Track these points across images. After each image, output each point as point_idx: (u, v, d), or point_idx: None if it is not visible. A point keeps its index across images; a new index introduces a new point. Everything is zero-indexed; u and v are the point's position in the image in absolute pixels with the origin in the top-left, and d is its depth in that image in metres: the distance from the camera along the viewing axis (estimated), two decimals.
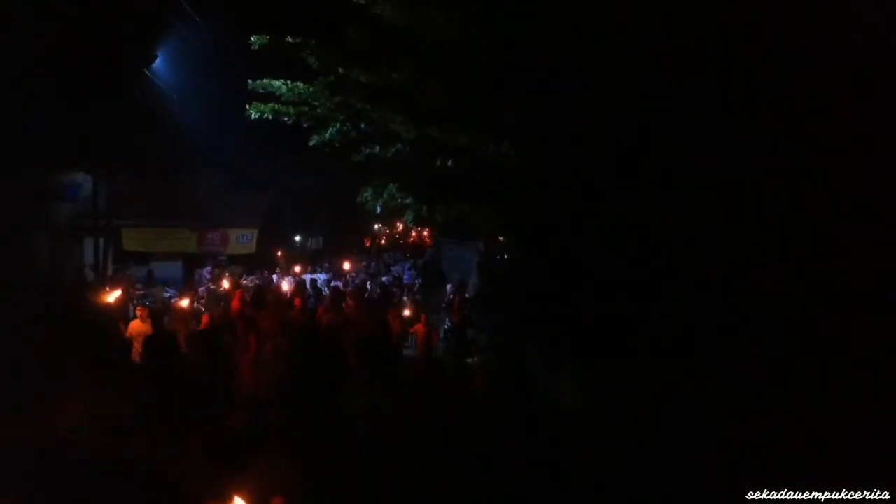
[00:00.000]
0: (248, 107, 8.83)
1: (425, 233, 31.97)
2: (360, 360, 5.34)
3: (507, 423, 5.21)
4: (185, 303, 9.45)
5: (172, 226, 20.77)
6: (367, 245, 30.64)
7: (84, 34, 13.47)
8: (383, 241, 33.56)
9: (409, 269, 18.88)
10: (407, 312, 7.94)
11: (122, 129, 16.26)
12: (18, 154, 15.04)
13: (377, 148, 8.63)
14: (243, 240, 20.87)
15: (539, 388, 6.35)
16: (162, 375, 4.58)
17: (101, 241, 17.58)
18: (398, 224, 36.57)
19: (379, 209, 8.92)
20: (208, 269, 17.84)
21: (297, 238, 30.93)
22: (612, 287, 6.95)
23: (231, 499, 2.97)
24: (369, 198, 9.05)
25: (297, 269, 16.82)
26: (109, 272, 16.96)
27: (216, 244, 20.78)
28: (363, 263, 21.65)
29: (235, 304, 8.89)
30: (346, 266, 16.77)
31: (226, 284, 12.93)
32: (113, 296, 8.84)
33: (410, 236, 33.91)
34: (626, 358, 6.39)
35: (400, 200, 8.70)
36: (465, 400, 5.70)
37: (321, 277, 14.10)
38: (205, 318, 7.95)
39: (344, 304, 8.98)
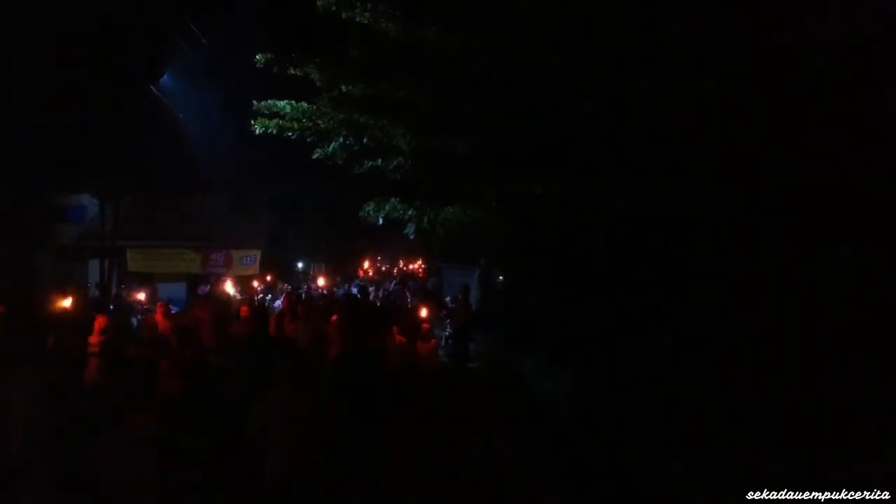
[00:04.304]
0: (252, 122, 8.99)
1: (418, 266, 32.58)
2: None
3: (505, 422, 5.27)
4: (66, 302, 8.79)
5: (176, 247, 20.97)
6: (361, 276, 30.78)
7: (90, 53, 13.74)
8: (371, 273, 33.56)
9: (395, 286, 18.92)
10: (424, 313, 7.74)
11: (128, 149, 16.53)
12: (25, 176, 15.29)
13: (379, 161, 8.79)
14: (247, 261, 21.01)
15: (535, 391, 6.45)
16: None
17: (106, 262, 17.76)
18: (400, 261, 37.17)
19: (381, 221, 9.04)
20: (203, 287, 17.89)
21: (300, 265, 31.07)
22: (601, 304, 7.06)
23: None
24: (372, 211, 9.19)
25: (255, 283, 17.07)
26: (114, 291, 17.07)
27: (220, 265, 20.92)
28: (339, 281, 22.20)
29: (158, 317, 8.45)
30: (321, 282, 16.65)
31: (141, 297, 12.50)
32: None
33: (405, 270, 34.19)
34: (614, 365, 6.48)
35: (402, 213, 8.84)
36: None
37: (277, 303, 14.06)
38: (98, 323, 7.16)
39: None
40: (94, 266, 19.19)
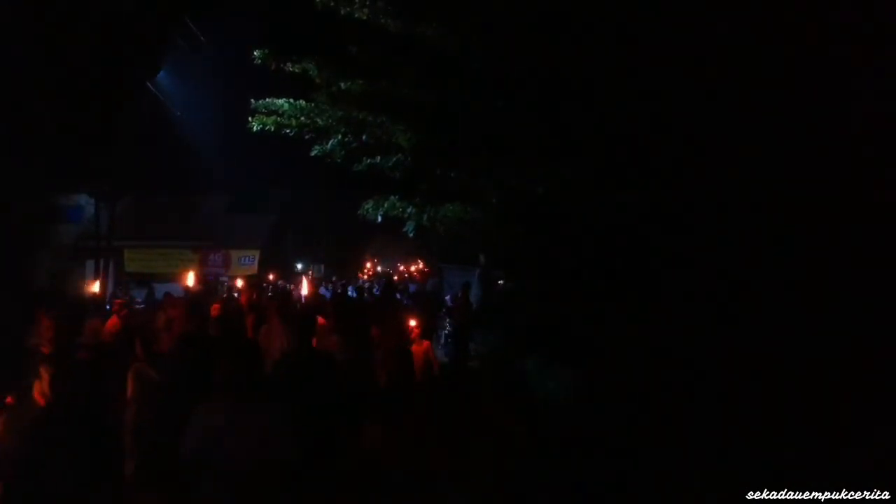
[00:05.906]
0: (250, 119, 8.91)
1: (415, 268, 32.46)
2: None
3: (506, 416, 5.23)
4: None
5: (175, 247, 20.95)
6: (361, 278, 30.72)
7: (86, 51, 13.66)
8: (366, 276, 33.39)
9: (379, 286, 18.72)
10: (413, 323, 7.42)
11: (125, 149, 16.46)
12: (22, 176, 15.19)
13: (378, 158, 8.71)
14: (245, 261, 21.04)
15: (533, 387, 6.41)
16: None
17: (102, 262, 17.69)
18: (400, 265, 37.13)
19: (380, 219, 8.96)
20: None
21: (299, 266, 30.95)
22: (602, 304, 7.01)
23: None
24: (371, 209, 9.11)
25: (239, 283, 16.10)
26: (109, 291, 17.00)
27: (218, 265, 20.91)
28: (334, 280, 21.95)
29: (112, 318, 7.61)
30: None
31: (94, 289, 10.61)
32: None
33: (403, 275, 34.05)
34: (614, 365, 6.44)
35: (401, 211, 8.77)
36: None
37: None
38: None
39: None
40: (91, 266, 19.12)
